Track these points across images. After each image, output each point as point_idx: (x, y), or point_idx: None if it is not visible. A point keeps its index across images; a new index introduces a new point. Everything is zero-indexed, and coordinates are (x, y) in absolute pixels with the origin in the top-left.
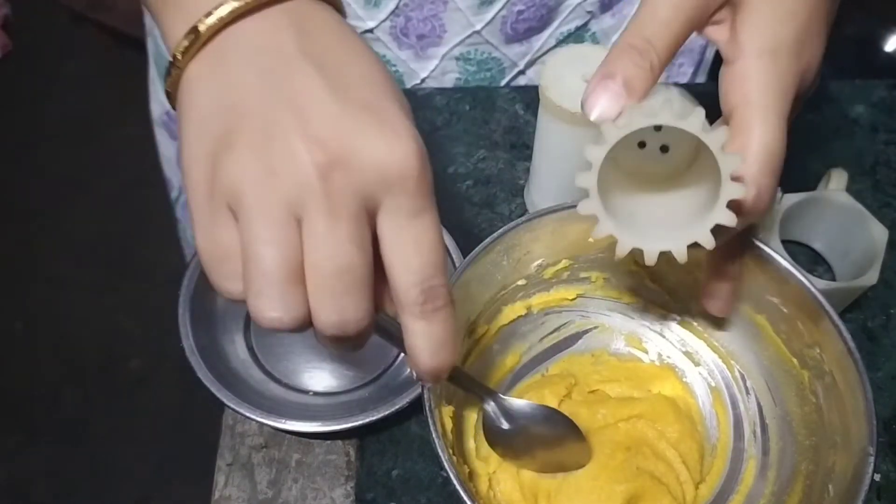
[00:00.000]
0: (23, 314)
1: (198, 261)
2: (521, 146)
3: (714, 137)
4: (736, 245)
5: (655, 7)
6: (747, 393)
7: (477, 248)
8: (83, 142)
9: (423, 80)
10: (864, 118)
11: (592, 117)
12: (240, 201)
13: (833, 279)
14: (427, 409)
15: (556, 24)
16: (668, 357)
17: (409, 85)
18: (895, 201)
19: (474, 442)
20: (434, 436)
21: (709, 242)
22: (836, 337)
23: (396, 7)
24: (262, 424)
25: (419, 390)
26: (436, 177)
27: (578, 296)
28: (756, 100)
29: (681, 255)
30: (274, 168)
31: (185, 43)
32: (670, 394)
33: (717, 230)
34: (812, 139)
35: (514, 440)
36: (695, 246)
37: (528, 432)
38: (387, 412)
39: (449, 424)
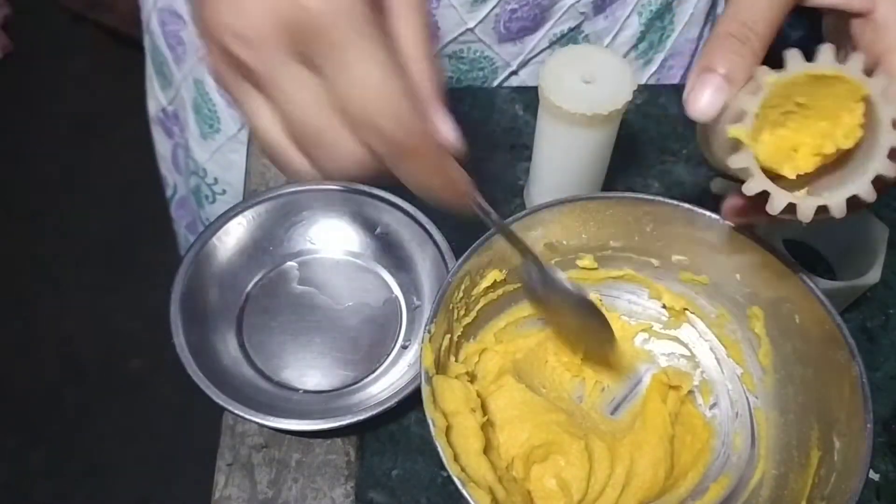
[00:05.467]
0: (23, 314)
1: (190, 258)
2: (520, 146)
3: (875, 83)
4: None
5: None
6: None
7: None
8: (83, 142)
9: None
10: None
11: (695, 114)
12: None
13: (834, 278)
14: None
15: (549, 24)
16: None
17: None
18: (894, 202)
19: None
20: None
21: (870, 194)
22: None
23: None
24: (251, 422)
25: (407, 391)
26: None
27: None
28: None
29: (840, 208)
30: None
31: None
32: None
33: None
34: None
35: (546, 303)
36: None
37: (558, 303)
38: (372, 413)
39: (443, 422)
